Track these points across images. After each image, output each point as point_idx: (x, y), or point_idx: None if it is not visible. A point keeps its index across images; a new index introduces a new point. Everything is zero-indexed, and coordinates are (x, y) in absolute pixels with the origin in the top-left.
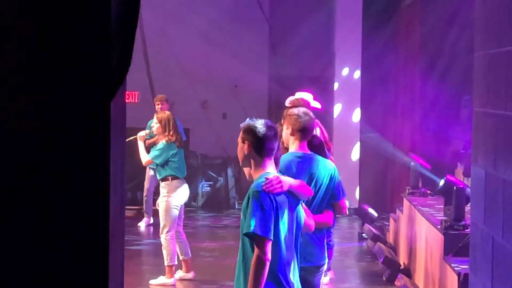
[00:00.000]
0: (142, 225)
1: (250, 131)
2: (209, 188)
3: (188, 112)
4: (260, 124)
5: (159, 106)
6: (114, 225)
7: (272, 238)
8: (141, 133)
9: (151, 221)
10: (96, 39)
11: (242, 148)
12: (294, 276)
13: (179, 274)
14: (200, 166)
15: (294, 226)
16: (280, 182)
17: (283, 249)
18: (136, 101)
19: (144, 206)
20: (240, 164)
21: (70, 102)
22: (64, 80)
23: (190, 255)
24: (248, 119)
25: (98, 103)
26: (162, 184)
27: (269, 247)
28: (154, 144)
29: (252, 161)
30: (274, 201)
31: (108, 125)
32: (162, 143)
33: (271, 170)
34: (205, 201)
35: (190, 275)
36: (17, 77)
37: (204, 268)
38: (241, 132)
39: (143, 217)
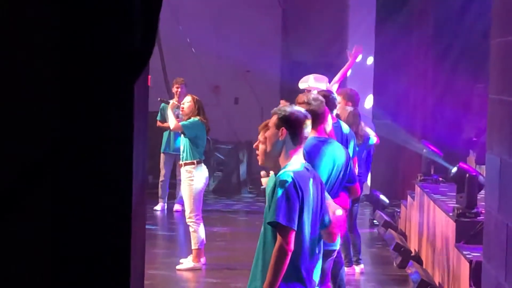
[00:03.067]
0: (158, 208)
1: (288, 118)
2: (220, 173)
3: (200, 96)
4: (297, 112)
5: (179, 89)
6: (136, 209)
7: (295, 228)
8: (173, 101)
9: (166, 206)
10: (119, 21)
11: (275, 134)
12: (316, 271)
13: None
14: (211, 150)
15: (318, 223)
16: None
17: (307, 243)
18: (148, 85)
19: (160, 191)
20: (267, 149)
21: (93, 85)
22: (87, 63)
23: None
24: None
25: (121, 87)
26: (187, 168)
27: (292, 237)
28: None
29: (283, 147)
30: (300, 192)
31: (132, 109)
32: (195, 119)
33: (300, 158)
34: (216, 186)
35: (199, 264)
36: (39, 62)
37: (215, 252)
38: (276, 119)
39: (156, 201)
